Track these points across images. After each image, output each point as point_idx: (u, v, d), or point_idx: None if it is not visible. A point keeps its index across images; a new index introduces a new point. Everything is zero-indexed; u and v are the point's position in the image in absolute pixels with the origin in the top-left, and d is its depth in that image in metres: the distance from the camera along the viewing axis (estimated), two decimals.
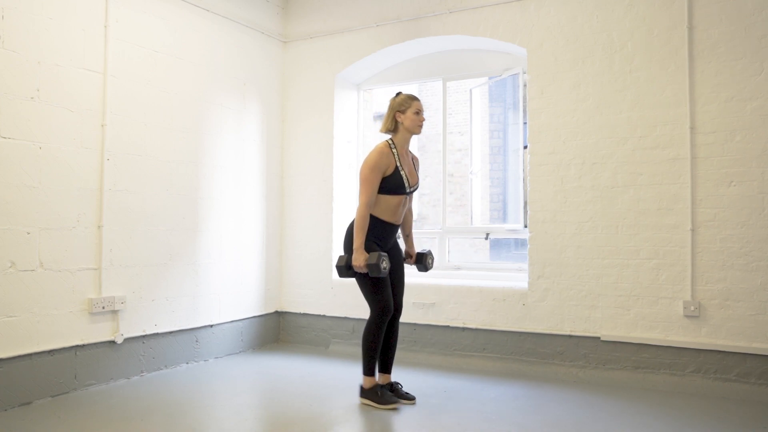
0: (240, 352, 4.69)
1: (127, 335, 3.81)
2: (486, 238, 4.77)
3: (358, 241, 3.21)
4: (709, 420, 3.11)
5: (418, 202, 11.38)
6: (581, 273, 3.97)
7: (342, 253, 3.41)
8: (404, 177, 3.32)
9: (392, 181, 3.29)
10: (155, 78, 4.02)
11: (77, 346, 3.53)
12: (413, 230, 3.75)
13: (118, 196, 3.76)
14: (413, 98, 3.36)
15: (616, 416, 3.17)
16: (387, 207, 3.32)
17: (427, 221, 11.54)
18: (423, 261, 3.63)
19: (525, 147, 4.58)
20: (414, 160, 3.51)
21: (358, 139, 5.30)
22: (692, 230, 3.68)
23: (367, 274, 3.23)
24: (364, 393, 3.37)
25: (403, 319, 4.23)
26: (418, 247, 3.78)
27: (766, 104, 3.54)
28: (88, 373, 3.59)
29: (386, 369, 3.46)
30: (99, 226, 3.66)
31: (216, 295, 4.50)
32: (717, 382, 3.60)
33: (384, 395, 3.34)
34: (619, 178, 3.89)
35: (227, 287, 4.60)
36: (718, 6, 3.65)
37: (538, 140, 4.14)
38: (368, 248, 3.26)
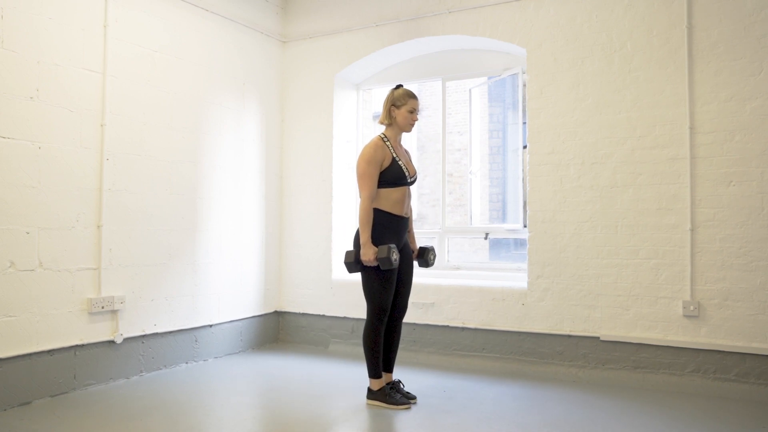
0: (239, 351, 4.69)
1: (126, 335, 3.81)
2: (485, 238, 4.77)
3: (365, 235, 3.21)
4: (708, 420, 3.11)
5: (417, 202, 11.38)
6: (580, 273, 3.97)
7: (350, 249, 3.38)
8: (403, 167, 3.33)
9: (392, 173, 3.29)
10: (154, 78, 4.02)
11: (76, 345, 3.53)
12: (412, 226, 3.73)
13: (117, 196, 3.76)
14: (410, 95, 3.35)
15: (616, 416, 3.17)
16: (393, 200, 3.31)
17: (426, 221, 11.54)
18: (425, 256, 3.61)
19: (524, 147, 4.58)
20: (407, 153, 3.53)
21: (357, 138, 5.30)
22: (691, 230, 3.68)
23: (375, 268, 3.22)
24: (373, 395, 3.36)
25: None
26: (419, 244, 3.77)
27: (766, 104, 3.54)
28: (87, 372, 3.59)
29: (388, 368, 3.46)
30: (98, 226, 3.66)
31: (215, 294, 4.50)
32: (716, 381, 3.60)
33: (393, 396, 3.34)
34: (619, 177, 3.89)
35: (226, 287, 4.60)
36: (718, 6, 3.65)
37: (537, 140, 4.14)
38: (381, 243, 3.23)
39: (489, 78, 4.93)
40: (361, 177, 3.25)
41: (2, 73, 3.19)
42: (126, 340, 3.81)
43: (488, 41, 4.43)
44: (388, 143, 3.33)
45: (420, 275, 4.76)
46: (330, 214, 4.94)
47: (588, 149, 3.98)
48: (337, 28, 4.94)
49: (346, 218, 5.10)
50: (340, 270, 4.90)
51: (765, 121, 3.54)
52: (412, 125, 3.39)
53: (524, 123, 4.46)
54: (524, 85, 4.44)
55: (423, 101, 14.74)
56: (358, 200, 3.28)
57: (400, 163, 3.33)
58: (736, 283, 3.58)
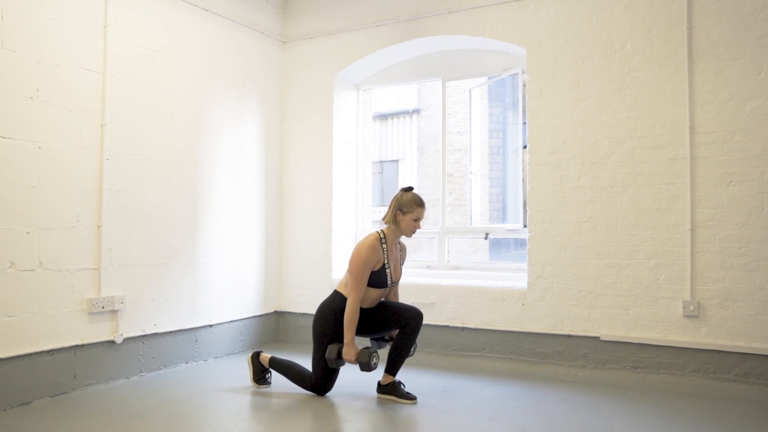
0: (239, 351, 4.69)
1: (126, 335, 3.81)
2: (485, 238, 4.77)
3: (349, 336, 3.30)
4: (708, 420, 3.11)
5: None
6: (580, 273, 3.97)
7: (332, 344, 3.39)
8: (388, 275, 3.42)
9: (376, 277, 3.37)
10: (154, 78, 4.02)
11: (76, 346, 3.53)
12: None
13: (117, 196, 3.76)
14: (418, 204, 3.37)
15: (616, 416, 3.17)
16: (366, 297, 3.40)
17: (426, 221, 11.54)
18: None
19: (524, 147, 4.59)
20: (401, 252, 3.60)
21: (357, 138, 5.30)
22: (691, 230, 3.68)
23: (327, 344, 3.37)
24: (255, 360, 3.71)
25: None
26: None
27: (766, 104, 3.54)
28: (87, 373, 3.59)
29: (390, 370, 3.46)
30: (98, 226, 3.66)
31: (215, 295, 4.50)
32: (716, 381, 3.60)
33: (262, 378, 3.70)
34: (619, 177, 3.89)
35: (226, 287, 4.60)
36: (718, 6, 3.65)
37: (537, 140, 4.14)
38: (341, 329, 3.36)
39: (489, 78, 4.93)
40: (354, 278, 3.31)
41: (2, 73, 3.19)
42: (126, 340, 3.81)
43: (488, 41, 4.43)
44: (384, 246, 3.38)
45: (420, 275, 4.77)
46: (330, 214, 4.94)
47: (588, 149, 3.98)
48: (337, 28, 4.94)
49: (346, 218, 5.10)
50: (340, 270, 4.91)
51: (765, 121, 3.54)
52: (414, 232, 3.44)
53: (524, 123, 4.46)
54: (524, 85, 4.44)
55: (423, 101, 14.59)
56: (354, 240, 3.25)
57: (387, 270, 3.40)
58: (736, 283, 3.58)
